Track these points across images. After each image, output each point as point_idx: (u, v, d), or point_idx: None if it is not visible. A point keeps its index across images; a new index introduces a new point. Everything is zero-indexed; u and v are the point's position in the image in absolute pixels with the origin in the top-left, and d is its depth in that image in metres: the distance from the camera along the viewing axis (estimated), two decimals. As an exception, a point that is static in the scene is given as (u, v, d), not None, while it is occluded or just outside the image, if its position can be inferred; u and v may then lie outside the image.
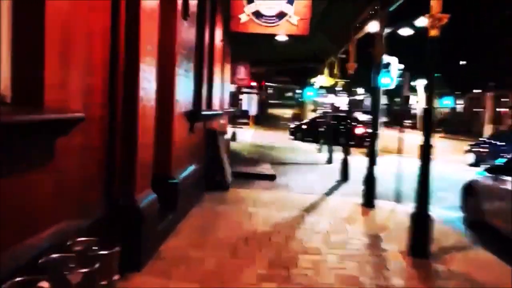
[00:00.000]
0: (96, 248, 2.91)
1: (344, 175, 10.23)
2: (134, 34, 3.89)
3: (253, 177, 9.50)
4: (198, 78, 7.21)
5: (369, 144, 7.72)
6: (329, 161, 12.97)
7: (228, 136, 14.10)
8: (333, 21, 10.86)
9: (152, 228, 4.33)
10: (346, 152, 10.33)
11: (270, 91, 51.07)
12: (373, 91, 8.96)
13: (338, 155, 14.05)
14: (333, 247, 5.20)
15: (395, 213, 7.31)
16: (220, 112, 8.94)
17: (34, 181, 2.71)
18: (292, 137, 22.71)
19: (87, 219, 3.36)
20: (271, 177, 9.57)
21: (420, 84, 34.04)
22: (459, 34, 27.82)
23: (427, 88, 5.06)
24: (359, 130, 18.46)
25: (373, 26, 9.46)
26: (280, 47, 16.32)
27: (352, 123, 17.69)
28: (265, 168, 10.77)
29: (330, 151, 12.99)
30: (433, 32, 4.84)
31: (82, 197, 3.37)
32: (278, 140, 21.97)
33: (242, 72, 15.57)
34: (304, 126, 22.70)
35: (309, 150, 17.07)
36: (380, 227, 6.35)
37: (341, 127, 13.13)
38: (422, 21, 10.97)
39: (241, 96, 37.48)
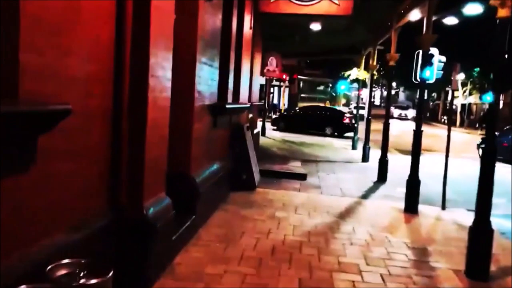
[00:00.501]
0: (85, 272, 2.34)
1: (382, 175, 9.41)
2: (144, 13, 3.28)
3: (282, 176, 8.83)
4: (224, 68, 6.58)
5: (413, 144, 6.90)
6: (365, 159, 12.12)
7: (257, 130, 13.46)
8: (373, 8, 10.00)
9: (164, 240, 3.74)
10: (385, 151, 9.49)
11: (301, 84, 50.17)
12: (418, 85, 8.08)
13: (375, 153, 13.21)
14: (374, 264, 4.48)
15: (442, 222, 6.49)
16: (248, 105, 8.30)
17: (8, 188, 2.16)
18: (274, 127, 22.33)
19: (83, 233, 2.80)
20: (302, 177, 8.87)
21: (460, 78, 32.30)
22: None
23: (494, 80, 4.24)
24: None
25: (416, 14, 8.58)
26: (314, 38, 15.50)
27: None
28: (295, 166, 10.08)
29: (366, 149, 12.13)
30: (503, 12, 4.01)
31: (77, 207, 2.80)
32: (309, 135, 21.15)
33: (273, 63, 14.82)
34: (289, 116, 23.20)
35: (342, 146, 16.22)
36: (427, 239, 5.57)
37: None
38: (472, 8, 9.93)
39: (271, 90, 36.80)
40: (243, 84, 8.37)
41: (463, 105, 39.24)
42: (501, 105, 41.67)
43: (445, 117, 45.57)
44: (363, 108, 44.01)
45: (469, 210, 7.25)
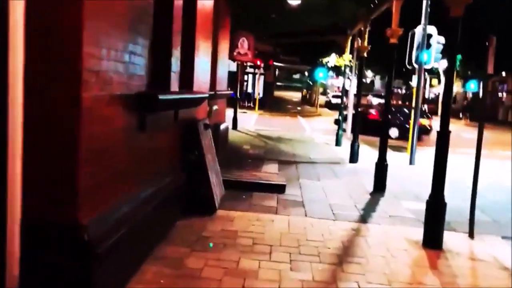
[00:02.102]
0: None
1: (380, 184, 7.40)
2: None
3: (253, 188, 6.71)
4: (161, 43, 4.38)
5: (437, 148, 4.87)
6: (353, 159, 10.12)
7: (226, 125, 11.30)
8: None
9: None
10: (383, 152, 7.46)
11: (277, 72, 48.13)
12: (410, 71, 6.05)
13: (364, 150, 11.25)
14: None
15: (481, 264, 4.50)
16: (206, 95, 6.11)
17: None
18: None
19: None
20: (279, 189, 6.78)
21: (442, 64, 30.82)
22: (490, 8, 24.62)
23: None
24: None
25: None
26: (293, 17, 13.35)
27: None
28: (271, 173, 7.97)
29: (355, 147, 10.10)
30: None
31: None
32: (286, 128, 19.11)
33: (244, 45, 12.61)
34: None
35: (324, 142, 14.20)
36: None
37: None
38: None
39: (245, 77, 34.52)
40: (199, 67, 6.17)
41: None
42: (504, 95, 40.21)
43: (425, 106, 44.29)
44: (339, 97, 42.34)
45: (505, 237, 5.37)
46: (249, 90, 34.14)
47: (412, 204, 6.64)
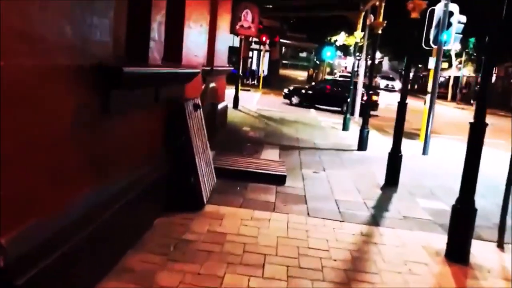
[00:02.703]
0: None
1: (393, 177, 6.61)
2: None
3: (250, 178, 5.95)
4: (139, 1, 3.55)
5: (468, 144, 4.04)
6: (362, 146, 9.30)
7: (225, 104, 10.47)
8: None
9: None
10: (398, 142, 6.63)
11: (283, 49, 46.92)
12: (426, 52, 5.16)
13: (373, 136, 10.44)
14: None
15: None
16: (196, 70, 5.26)
17: None
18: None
19: None
20: (279, 180, 6.00)
21: (454, 48, 29.54)
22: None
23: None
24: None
25: None
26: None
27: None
28: (271, 161, 7.17)
29: (364, 133, 9.27)
30: None
31: None
32: (290, 109, 18.24)
33: (248, 17, 11.62)
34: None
35: (330, 125, 13.36)
36: None
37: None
38: None
39: (250, 53, 33.35)
40: (190, 38, 5.33)
41: (456, 78, 36.74)
42: (493, 79, 39.58)
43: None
44: (348, 77, 41.28)
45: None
46: (254, 67, 33.07)
47: (428, 203, 5.88)
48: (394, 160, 6.59)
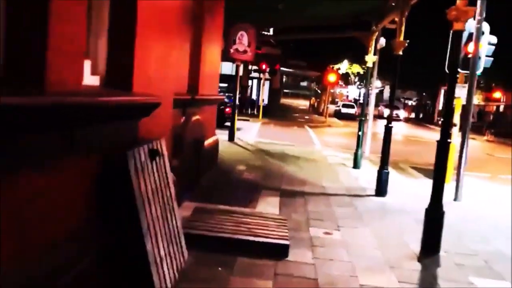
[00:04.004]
0: None
1: (433, 240, 4.89)
2: None
3: (238, 250, 4.24)
4: None
5: None
6: (381, 190, 7.60)
7: (215, 138, 8.86)
8: None
9: None
10: (439, 190, 4.93)
11: (284, 78, 45.82)
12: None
13: (395, 177, 8.77)
14: None
15: None
16: (154, 102, 3.60)
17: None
18: None
19: None
20: (279, 251, 4.30)
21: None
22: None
23: None
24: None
25: None
26: (303, 6, 10.93)
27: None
28: (268, 214, 5.46)
29: (383, 174, 7.58)
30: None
31: None
32: (293, 140, 16.60)
33: (243, 40, 10.14)
34: None
35: (338, 162, 11.67)
36: None
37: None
38: None
39: (249, 82, 32.03)
40: (149, 53, 3.75)
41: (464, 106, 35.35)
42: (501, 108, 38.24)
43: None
44: (351, 107, 39.74)
45: None
46: (254, 96, 31.72)
47: (487, 283, 4.16)
48: (434, 220, 4.88)
